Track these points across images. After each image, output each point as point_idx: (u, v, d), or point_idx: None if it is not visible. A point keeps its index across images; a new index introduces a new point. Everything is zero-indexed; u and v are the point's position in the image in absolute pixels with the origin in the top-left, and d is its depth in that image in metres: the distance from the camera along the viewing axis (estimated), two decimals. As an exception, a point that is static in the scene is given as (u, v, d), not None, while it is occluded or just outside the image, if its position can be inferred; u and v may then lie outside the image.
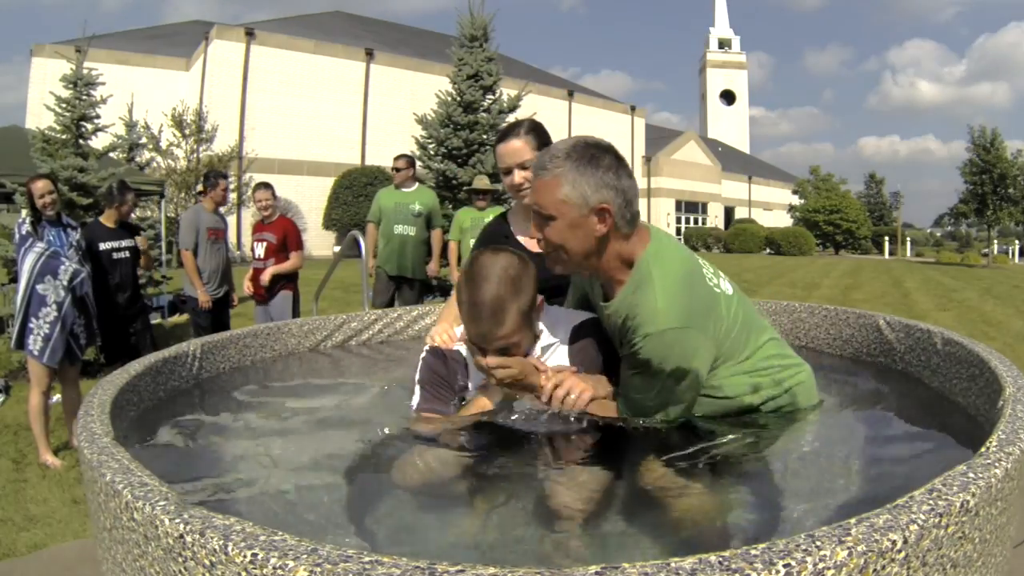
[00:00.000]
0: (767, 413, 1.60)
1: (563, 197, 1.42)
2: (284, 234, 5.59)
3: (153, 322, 5.57)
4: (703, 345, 1.47)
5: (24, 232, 4.13)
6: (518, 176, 2.03)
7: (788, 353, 1.67)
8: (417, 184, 6.32)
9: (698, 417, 1.59)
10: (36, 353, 4.03)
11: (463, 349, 1.70)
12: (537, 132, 2.06)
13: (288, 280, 5.63)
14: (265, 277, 5.51)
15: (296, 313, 5.66)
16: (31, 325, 4.02)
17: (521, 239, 2.14)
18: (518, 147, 2.02)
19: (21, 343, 4.05)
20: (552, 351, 1.64)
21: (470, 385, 1.68)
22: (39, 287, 4.04)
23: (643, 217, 1.59)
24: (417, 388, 1.70)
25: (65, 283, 4.11)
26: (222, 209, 5.96)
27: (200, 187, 6.26)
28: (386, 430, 1.69)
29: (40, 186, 4.17)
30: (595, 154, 1.44)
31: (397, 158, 6.28)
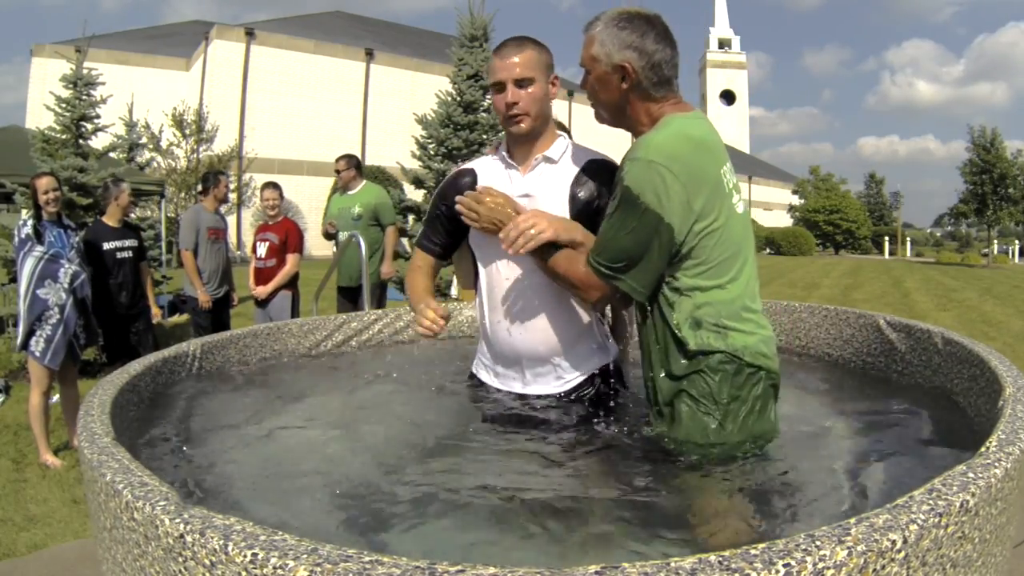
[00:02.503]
0: (695, 366, 1.52)
1: (593, 54, 1.60)
2: (287, 235, 5.59)
3: (153, 322, 5.56)
4: (681, 204, 1.46)
5: (24, 235, 4.12)
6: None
7: (752, 309, 1.58)
8: (363, 184, 5.89)
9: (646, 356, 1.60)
10: (38, 355, 4.03)
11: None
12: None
13: (287, 281, 5.63)
14: (267, 289, 5.51)
15: (296, 313, 5.65)
16: (34, 327, 4.03)
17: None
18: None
19: (26, 345, 4.07)
20: (563, 156, 1.82)
21: None
22: (40, 291, 4.05)
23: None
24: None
25: (66, 285, 4.11)
26: (222, 209, 5.94)
27: (200, 187, 6.21)
28: (389, 427, 1.69)
29: (45, 182, 4.19)
30: (629, 18, 1.59)
31: (338, 159, 5.88)
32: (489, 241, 1.78)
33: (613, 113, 1.64)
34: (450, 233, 1.91)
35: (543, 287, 1.75)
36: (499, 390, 1.89)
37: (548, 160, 1.80)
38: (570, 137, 1.95)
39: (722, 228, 1.51)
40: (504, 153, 1.85)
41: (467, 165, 1.96)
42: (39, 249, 4.09)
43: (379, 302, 5.91)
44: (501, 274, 1.82)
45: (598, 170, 1.79)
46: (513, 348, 1.82)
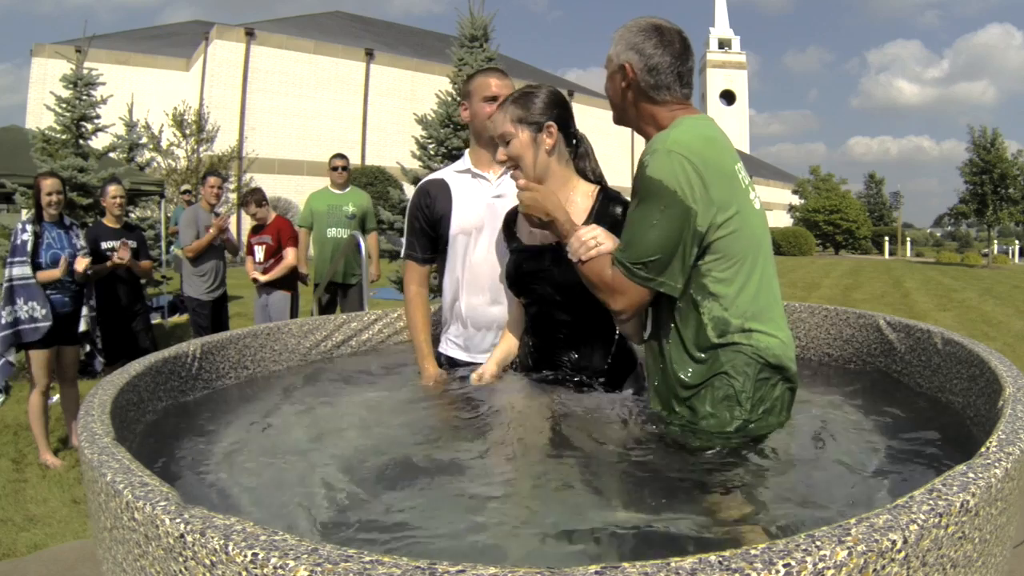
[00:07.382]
0: (721, 371, 1.52)
1: (608, 54, 1.68)
2: (279, 233, 5.58)
3: (153, 322, 5.57)
4: (702, 191, 1.46)
5: (21, 242, 4.10)
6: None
7: (774, 309, 1.60)
8: (350, 185, 6.13)
9: (674, 357, 1.55)
10: None
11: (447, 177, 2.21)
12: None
13: (287, 280, 5.63)
14: (268, 278, 5.51)
15: (295, 313, 5.65)
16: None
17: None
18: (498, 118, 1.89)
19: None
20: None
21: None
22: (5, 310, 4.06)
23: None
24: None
25: (24, 315, 4.06)
26: (221, 209, 5.95)
27: (186, 187, 6.30)
28: (387, 427, 1.69)
29: (49, 184, 4.19)
30: (644, 26, 1.65)
31: (337, 157, 6.01)
32: (475, 233, 2.14)
33: (621, 111, 1.70)
34: (432, 240, 2.22)
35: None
36: (470, 364, 2.14)
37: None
38: None
39: (741, 222, 1.51)
40: (469, 165, 2.20)
41: (434, 177, 2.25)
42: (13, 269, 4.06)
43: (362, 302, 5.94)
44: (485, 259, 2.12)
45: None
46: (490, 318, 2.13)
